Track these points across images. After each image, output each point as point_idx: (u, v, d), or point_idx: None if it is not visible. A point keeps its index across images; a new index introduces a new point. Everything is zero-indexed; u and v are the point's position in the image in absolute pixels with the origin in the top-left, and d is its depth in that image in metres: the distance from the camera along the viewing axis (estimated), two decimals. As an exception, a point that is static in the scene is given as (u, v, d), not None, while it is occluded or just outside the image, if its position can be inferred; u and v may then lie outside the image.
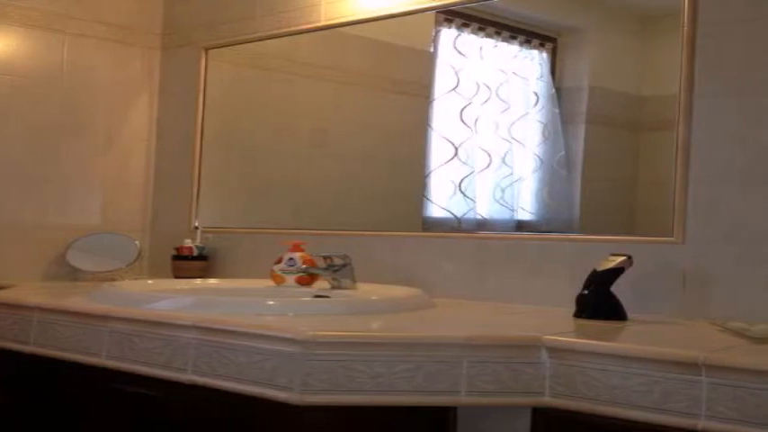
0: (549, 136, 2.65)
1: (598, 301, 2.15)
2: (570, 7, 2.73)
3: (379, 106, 3.06)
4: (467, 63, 2.79)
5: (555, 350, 1.75)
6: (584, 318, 2.15)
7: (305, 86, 3.25)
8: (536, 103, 2.68)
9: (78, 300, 2.39)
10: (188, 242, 3.24)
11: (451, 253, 2.66)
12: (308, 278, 2.63)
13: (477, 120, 2.76)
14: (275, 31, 3.21)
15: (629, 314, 2.14)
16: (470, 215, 2.76)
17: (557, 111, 2.64)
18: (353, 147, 3.08)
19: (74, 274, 3.25)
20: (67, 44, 3.33)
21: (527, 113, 2.69)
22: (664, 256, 2.25)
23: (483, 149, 2.74)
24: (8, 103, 3.20)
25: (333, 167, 3.11)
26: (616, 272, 2.16)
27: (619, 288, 2.16)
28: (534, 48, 2.72)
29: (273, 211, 3.26)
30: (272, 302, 2.21)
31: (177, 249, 3.24)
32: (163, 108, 3.59)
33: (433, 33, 2.84)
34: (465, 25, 2.79)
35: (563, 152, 2.60)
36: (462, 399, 1.76)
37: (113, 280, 2.98)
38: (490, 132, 2.74)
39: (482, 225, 2.74)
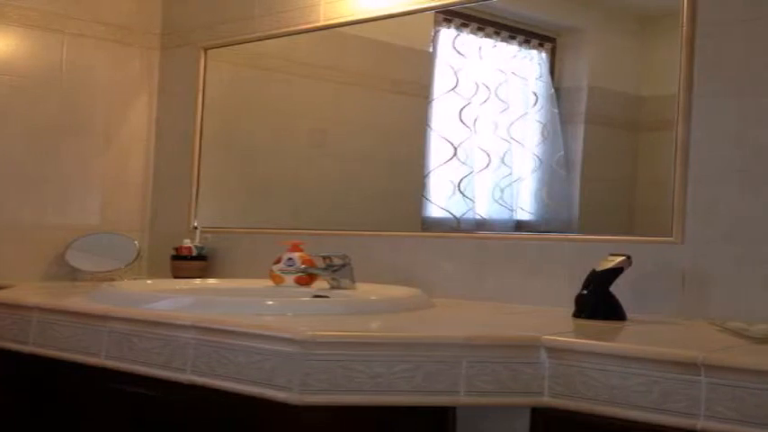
0: (548, 136, 2.65)
1: (597, 301, 2.15)
2: (569, 7, 2.73)
3: (378, 106, 3.06)
4: (466, 63, 2.79)
5: (554, 350, 1.75)
6: (583, 318, 2.15)
7: (304, 86, 3.25)
8: (535, 103, 2.69)
9: (77, 300, 2.39)
10: (187, 242, 3.24)
11: (451, 253, 2.66)
12: (307, 278, 2.63)
13: (476, 120, 2.76)
14: (274, 31, 3.21)
15: (629, 314, 2.14)
16: (469, 215, 2.76)
17: (556, 111, 2.64)
18: (352, 147, 3.08)
19: (73, 274, 3.25)
20: (66, 44, 3.33)
21: (526, 113, 2.69)
22: (663, 256, 2.25)
23: (482, 149, 2.75)
24: (7, 103, 3.20)
25: (332, 167, 3.11)
26: (615, 272, 2.16)
27: (618, 288, 2.16)
28: (533, 48, 2.72)
29: (272, 211, 3.26)
30: (271, 302, 2.21)
31: (176, 249, 3.24)
32: (162, 108, 3.59)
33: (433, 33, 2.84)
34: (464, 25, 2.79)
35: (562, 152, 2.60)
36: (461, 399, 1.76)
37: (112, 280, 2.98)
38: (489, 132, 2.74)
39: (481, 225, 2.74)
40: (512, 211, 2.69)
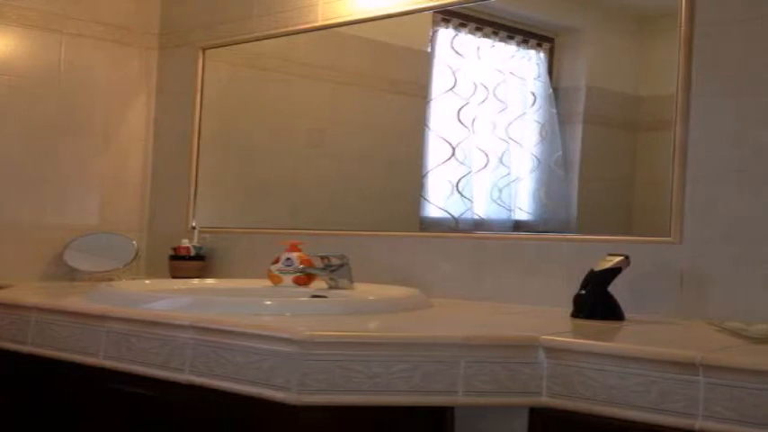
0: (546, 136, 2.65)
1: (595, 301, 2.15)
2: (567, 7, 2.73)
3: (376, 106, 3.06)
4: (464, 63, 2.79)
5: (552, 350, 1.75)
6: (581, 318, 2.15)
7: (302, 86, 3.25)
8: (533, 103, 2.69)
9: (76, 300, 2.39)
10: (185, 242, 3.24)
11: (449, 253, 2.66)
12: (305, 278, 2.63)
13: (474, 120, 2.76)
14: (272, 31, 3.21)
15: (627, 314, 2.14)
16: (468, 215, 2.76)
17: (554, 111, 2.64)
18: (351, 147, 3.08)
19: (71, 274, 3.25)
20: (65, 44, 3.33)
21: (524, 113, 2.69)
22: (661, 256, 2.25)
23: (480, 149, 2.75)
24: (6, 103, 3.20)
25: (330, 167, 3.11)
26: (613, 272, 2.16)
27: (616, 288, 2.16)
28: (531, 48, 2.72)
29: (271, 211, 3.26)
30: (269, 302, 2.21)
31: (174, 249, 3.24)
32: (160, 108, 3.59)
33: (431, 33, 2.84)
34: (462, 25, 2.79)
35: (560, 152, 2.60)
36: (460, 399, 1.76)
37: (111, 280, 2.98)
38: (487, 132, 2.74)
39: (479, 225, 2.74)
40: (510, 211, 2.69)
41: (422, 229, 2.82)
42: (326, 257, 2.54)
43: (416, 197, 2.85)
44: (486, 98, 2.74)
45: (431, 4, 2.79)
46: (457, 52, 2.80)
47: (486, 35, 2.77)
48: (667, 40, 2.29)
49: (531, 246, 2.52)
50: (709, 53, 2.22)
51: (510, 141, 2.70)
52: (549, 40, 2.69)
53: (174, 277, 3.15)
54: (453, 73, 2.80)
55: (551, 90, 2.67)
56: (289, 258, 2.65)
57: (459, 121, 2.77)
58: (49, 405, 2.37)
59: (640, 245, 2.27)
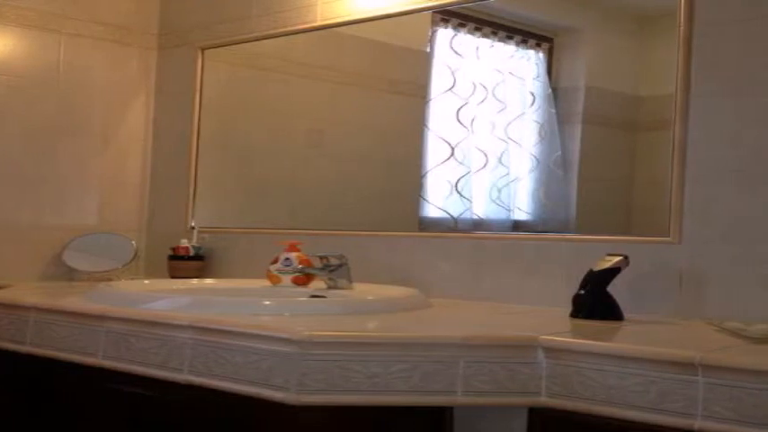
0: (545, 136, 2.65)
1: (594, 301, 2.15)
2: (567, 7, 2.73)
3: (375, 106, 3.06)
4: (463, 63, 2.79)
5: (551, 350, 1.75)
6: (580, 318, 2.15)
7: (301, 86, 3.25)
8: (532, 103, 2.69)
9: (75, 300, 2.39)
10: (184, 242, 3.24)
11: (448, 253, 2.66)
12: (304, 278, 2.63)
13: (473, 120, 2.76)
14: (271, 32, 3.21)
15: (626, 314, 2.14)
16: (467, 215, 2.76)
17: (553, 111, 2.64)
18: (350, 147, 3.08)
19: (70, 274, 3.25)
20: (64, 44, 3.33)
21: (523, 113, 2.69)
22: (660, 256, 2.25)
23: (479, 149, 2.75)
24: (4, 103, 3.20)
25: (329, 168, 3.11)
26: (612, 272, 2.16)
27: (615, 288, 2.16)
28: (531, 48, 2.72)
29: (270, 211, 3.26)
30: (268, 302, 2.21)
31: (173, 249, 3.23)
32: (159, 108, 3.59)
33: (430, 33, 2.84)
34: (461, 25, 2.79)
35: (559, 152, 2.60)
36: (459, 399, 1.76)
37: (110, 280, 2.98)
38: (487, 132, 2.74)
39: (478, 225, 2.74)
40: (509, 211, 2.69)
41: (421, 229, 2.82)
42: (325, 257, 2.54)
43: (415, 197, 2.84)
44: (485, 98, 2.74)
45: (430, 4, 2.78)
46: (456, 52, 2.80)
47: (485, 35, 2.77)
48: (666, 40, 2.29)
49: (531, 246, 2.52)
50: (709, 53, 2.22)
51: (509, 141, 2.70)
52: (549, 40, 2.69)
53: (173, 277, 3.15)
54: (452, 73, 2.79)
55: (550, 90, 2.67)
56: (288, 258, 2.65)
57: (459, 121, 2.77)
58: (48, 405, 2.37)
59: (639, 245, 2.27)
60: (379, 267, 2.73)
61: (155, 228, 3.56)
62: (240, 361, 1.83)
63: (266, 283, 2.68)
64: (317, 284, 2.59)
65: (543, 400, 1.75)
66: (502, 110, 2.72)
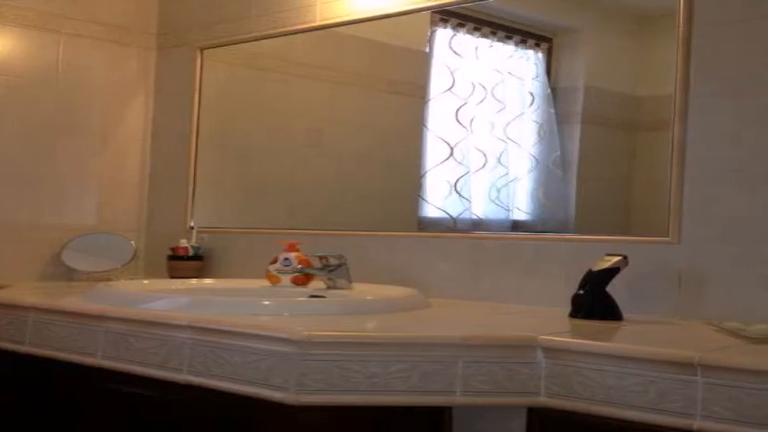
0: (544, 136, 2.65)
1: (593, 301, 2.15)
2: (566, 7, 2.73)
3: (374, 106, 3.06)
4: (462, 63, 2.79)
5: (550, 350, 1.75)
6: (579, 318, 2.15)
7: (300, 86, 3.25)
8: (531, 103, 2.69)
9: (74, 300, 2.39)
10: (183, 242, 3.23)
11: (447, 253, 2.66)
12: (303, 278, 2.63)
13: (472, 120, 2.76)
14: (270, 31, 3.21)
15: (625, 314, 2.14)
16: (466, 215, 2.76)
17: (552, 111, 2.64)
18: (349, 147, 3.08)
19: (69, 274, 3.25)
20: (63, 44, 3.33)
21: (522, 113, 2.69)
22: (659, 256, 2.25)
23: (478, 149, 2.75)
24: (3, 102, 3.20)
25: (328, 167, 3.11)
26: (611, 272, 2.16)
27: (614, 288, 2.16)
28: (530, 48, 2.72)
29: (269, 211, 3.26)
30: (267, 302, 2.21)
31: (173, 249, 3.23)
32: (158, 108, 3.59)
33: (429, 33, 2.84)
34: (460, 25, 2.79)
35: (558, 152, 2.60)
36: (458, 399, 1.76)
37: (109, 280, 2.98)
38: (486, 132, 2.74)
39: (477, 225, 2.74)
40: (508, 211, 2.70)
41: (420, 229, 2.82)
42: (325, 257, 2.54)
43: (414, 197, 2.84)
44: (484, 98, 2.74)
45: (429, 4, 2.78)
46: (455, 52, 2.80)
47: (484, 35, 2.77)
48: (666, 41, 2.29)
49: (530, 246, 2.52)
50: (708, 53, 2.22)
51: (508, 141, 2.70)
52: (548, 40, 2.69)
53: (172, 277, 3.15)
54: (451, 73, 2.79)
55: (549, 90, 2.67)
56: (287, 258, 2.65)
57: (458, 121, 2.77)
58: (47, 405, 2.37)
59: (638, 245, 2.27)
60: (379, 267, 2.73)
61: (154, 228, 3.56)
62: (239, 361, 1.83)
63: (265, 283, 2.68)
64: (317, 284, 2.59)
65: (542, 400, 1.75)
66: (501, 110, 2.72)
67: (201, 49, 3.43)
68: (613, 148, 2.54)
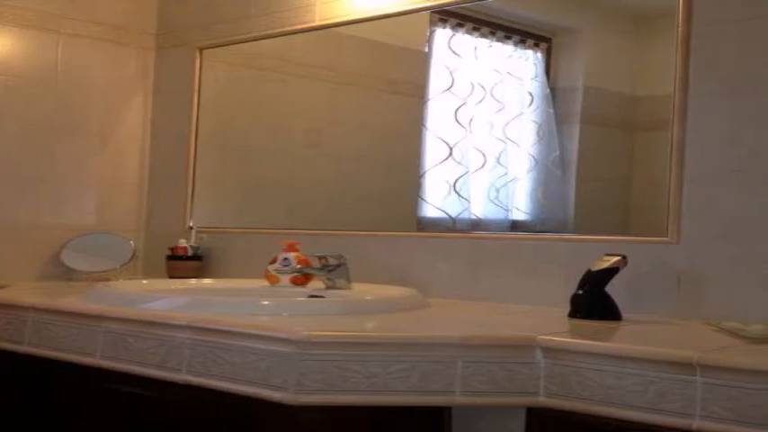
0: (543, 136, 2.65)
1: (593, 301, 2.15)
2: (565, 7, 2.73)
3: (373, 106, 3.06)
4: (461, 63, 2.79)
5: (549, 350, 1.75)
6: (578, 318, 2.15)
7: (299, 86, 3.25)
8: (531, 103, 2.69)
9: (73, 300, 2.39)
10: (182, 242, 3.23)
11: (446, 253, 2.66)
12: (302, 278, 2.63)
13: (471, 120, 2.76)
14: (270, 31, 3.21)
15: (624, 314, 2.14)
16: (465, 215, 2.76)
17: (551, 111, 2.64)
18: (348, 147, 3.08)
19: (68, 274, 3.25)
20: (62, 44, 3.33)
21: (522, 113, 2.69)
22: (658, 256, 2.25)
23: (478, 149, 2.75)
24: (3, 103, 3.20)
25: (327, 167, 3.11)
26: (611, 272, 2.16)
27: (613, 288, 2.16)
28: (529, 48, 2.72)
29: (268, 211, 3.25)
30: (266, 302, 2.21)
31: (172, 249, 3.23)
32: (157, 108, 3.59)
33: (428, 33, 2.84)
34: (460, 25, 2.79)
35: (558, 152, 2.60)
36: (457, 399, 1.76)
37: (108, 280, 2.98)
38: (485, 132, 2.74)
39: (477, 225, 2.74)
40: (507, 211, 2.70)
41: (419, 229, 2.82)
42: (324, 257, 2.54)
43: (414, 197, 2.84)
44: (483, 98, 2.74)
45: (428, 4, 2.79)
46: (454, 52, 2.80)
47: (483, 35, 2.77)
48: (665, 41, 2.29)
49: (529, 246, 2.52)
50: (707, 53, 2.22)
51: (507, 141, 2.70)
52: (547, 40, 2.69)
53: (171, 277, 3.15)
54: (450, 73, 2.79)
55: (548, 90, 2.67)
56: (286, 258, 2.65)
57: (457, 121, 2.77)
58: (46, 405, 2.37)
59: (638, 245, 2.27)
60: (378, 267, 2.73)
61: (153, 228, 3.56)
62: (238, 361, 1.83)
63: (265, 283, 2.68)
64: (316, 284, 2.59)
65: (541, 400, 1.75)
66: (500, 110, 2.72)
67: (201, 49, 3.43)
68: (612, 148, 2.54)
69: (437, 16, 2.81)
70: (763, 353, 1.62)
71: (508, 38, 2.75)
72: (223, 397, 1.87)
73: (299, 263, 2.63)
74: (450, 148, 2.77)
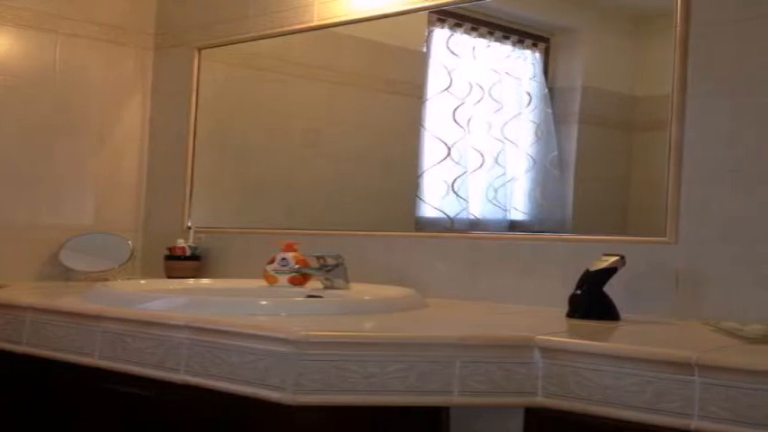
0: (541, 136, 2.65)
1: (591, 301, 2.15)
2: (563, 7, 2.73)
3: (372, 106, 3.06)
4: (459, 63, 2.79)
5: (547, 350, 1.75)
6: (576, 318, 2.15)
7: (298, 86, 3.25)
8: (529, 103, 2.69)
9: (71, 300, 2.39)
10: (181, 242, 3.23)
11: (444, 253, 2.66)
12: (300, 278, 2.63)
13: (469, 120, 2.76)
14: (268, 31, 3.21)
15: (622, 314, 2.14)
16: (463, 215, 2.76)
17: (549, 111, 2.64)
18: (346, 147, 3.08)
19: (67, 274, 3.25)
20: (60, 44, 3.33)
21: (520, 113, 2.69)
22: (656, 256, 2.25)
23: (476, 149, 2.75)
24: (1, 103, 3.19)
25: (326, 167, 3.11)
26: (609, 272, 2.16)
27: (611, 288, 2.16)
28: (527, 48, 2.72)
29: (266, 211, 3.25)
30: (264, 302, 2.21)
31: (170, 249, 3.23)
32: (156, 108, 3.59)
33: (426, 33, 2.84)
34: (458, 25, 2.79)
35: (556, 152, 2.60)
36: (455, 399, 1.76)
37: (106, 280, 2.98)
38: (483, 132, 2.74)
39: (475, 225, 2.74)
40: (505, 211, 2.70)
41: (417, 229, 2.82)
42: (322, 257, 2.54)
43: (412, 197, 2.84)
44: (481, 98, 2.74)
45: (426, 3, 2.78)
46: (452, 52, 2.80)
47: (481, 35, 2.77)
48: (663, 41, 2.29)
49: (527, 246, 2.52)
50: (705, 53, 2.22)
51: (505, 141, 2.70)
52: (545, 40, 2.69)
53: (169, 277, 3.15)
54: (449, 73, 2.80)
55: (547, 90, 2.67)
56: (284, 258, 2.65)
57: (455, 121, 2.77)
58: (45, 405, 2.37)
59: (636, 245, 2.27)
60: (376, 267, 2.73)
61: (151, 228, 3.55)
62: (237, 361, 1.83)
63: (263, 283, 2.68)
64: (314, 284, 2.59)
65: (539, 400, 1.75)
66: (498, 110, 2.72)
67: (199, 49, 3.43)
68: (611, 148, 2.54)
69: (435, 16, 2.81)
70: (762, 353, 1.63)
71: (506, 38, 2.75)
72: (221, 397, 1.87)
73: (297, 263, 2.63)
74: (449, 148, 2.77)
